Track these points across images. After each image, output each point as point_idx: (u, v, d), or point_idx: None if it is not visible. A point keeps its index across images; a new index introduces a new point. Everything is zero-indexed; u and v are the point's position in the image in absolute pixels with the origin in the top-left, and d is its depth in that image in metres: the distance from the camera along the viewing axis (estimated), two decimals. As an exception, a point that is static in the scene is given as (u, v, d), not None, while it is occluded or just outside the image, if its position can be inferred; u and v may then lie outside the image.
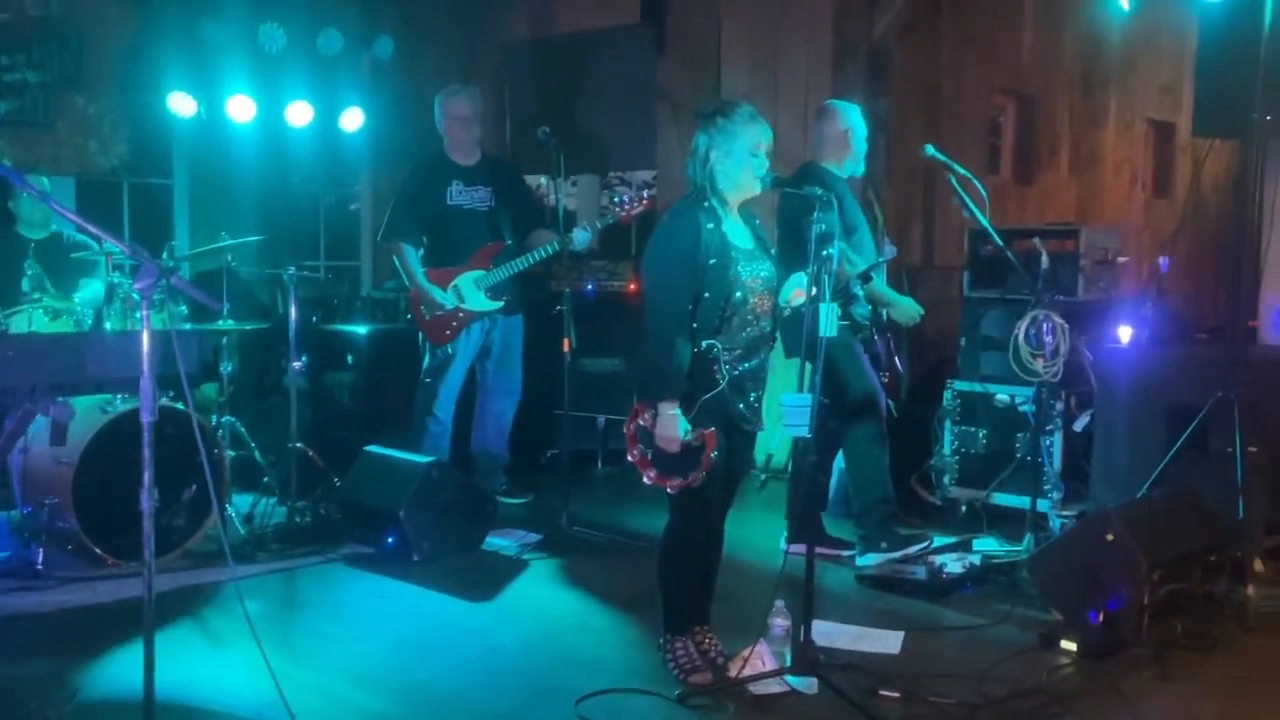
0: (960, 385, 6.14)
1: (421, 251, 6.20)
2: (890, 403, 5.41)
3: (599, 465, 7.35)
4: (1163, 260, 6.43)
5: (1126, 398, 5.40)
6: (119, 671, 3.93)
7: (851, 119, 5.39)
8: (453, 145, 6.24)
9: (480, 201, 6.20)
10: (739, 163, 3.76)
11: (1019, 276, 5.40)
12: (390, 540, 5.27)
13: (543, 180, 7.68)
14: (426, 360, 6.24)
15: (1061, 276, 5.67)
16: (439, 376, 6.17)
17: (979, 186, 5.27)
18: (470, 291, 6.10)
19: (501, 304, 6.16)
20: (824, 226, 3.69)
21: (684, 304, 3.68)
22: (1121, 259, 6.15)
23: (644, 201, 5.96)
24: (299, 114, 7.41)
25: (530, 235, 6.21)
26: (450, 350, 6.14)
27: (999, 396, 5.97)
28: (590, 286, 7.36)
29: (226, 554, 4.01)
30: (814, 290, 3.68)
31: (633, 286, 7.29)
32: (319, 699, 3.78)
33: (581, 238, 5.93)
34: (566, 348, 5.81)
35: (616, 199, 6.04)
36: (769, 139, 3.81)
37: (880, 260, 5.27)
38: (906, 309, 5.47)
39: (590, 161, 8.17)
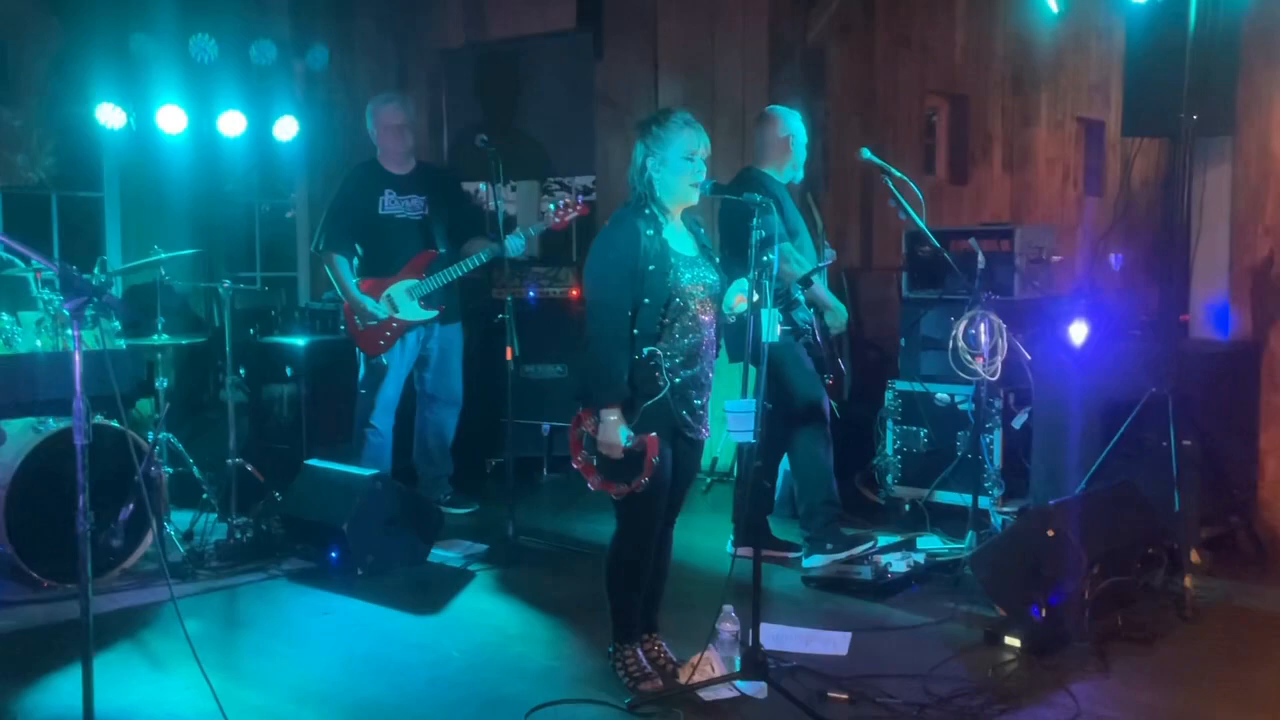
0: (901, 385, 6.20)
1: (356, 262, 6.15)
2: (832, 404, 5.44)
3: (544, 473, 7.32)
4: (1115, 257, 6.52)
5: (1064, 394, 5.47)
6: (57, 697, 3.85)
7: (793, 125, 5.42)
8: (385, 154, 6.19)
9: (413, 210, 6.15)
10: (675, 170, 3.77)
11: (956, 277, 5.46)
12: (334, 555, 5.22)
13: (482, 187, 7.65)
14: (362, 372, 6.19)
15: (998, 276, 5.74)
16: (375, 388, 6.12)
17: (915, 189, 5.32)
18: (403, 301, 6.05)
19: (436, 313, 6.12)
20: (764, 232, 3.71)
21: (624, 310, 3.69)
22: (1056, 257, 6.24)
23: (578, 207, 5.89)
24: (232, 124, 7.30)
25: (466, 243, 6.18)
26: (385, 361, 6.09)
27: (939, 396, 6.04)
28: (532, 293, 7.32)
29: (165, 573, 3.95)
30: (755, 296, 3.70)
31: (574, 293, 7.27)
32: (264, 719, 3.73)
33: (515, 245, 5.88)
34: (509, 355, 5.77)
35: (552, 205, 6.00)
36: (705, 145, 3.82)
37: (822, 264, 5.30)
38: (838, 315, 5.49)
39: (530, 167, 8.15)
